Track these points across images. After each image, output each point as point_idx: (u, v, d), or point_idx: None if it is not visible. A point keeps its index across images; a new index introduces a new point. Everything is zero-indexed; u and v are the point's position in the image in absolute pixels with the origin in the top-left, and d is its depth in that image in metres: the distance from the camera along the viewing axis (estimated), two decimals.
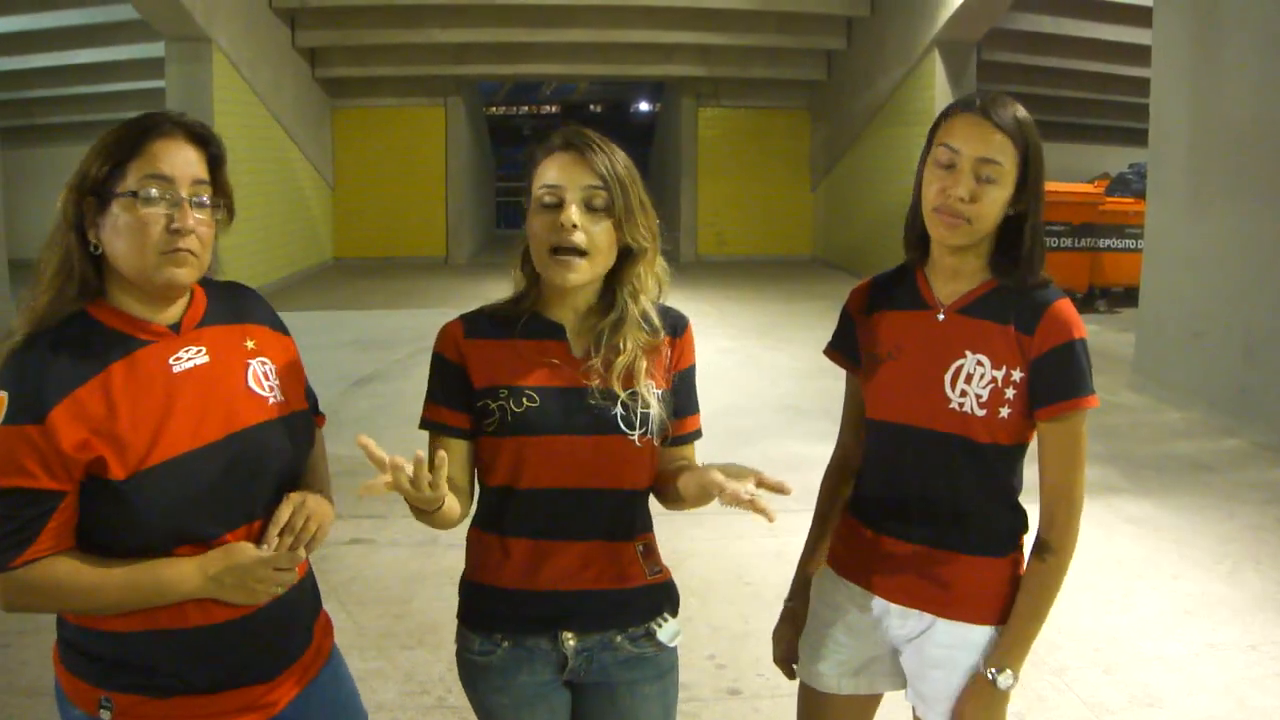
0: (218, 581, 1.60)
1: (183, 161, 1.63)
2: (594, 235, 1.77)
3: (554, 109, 37.55)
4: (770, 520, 1.56)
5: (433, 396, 1.86)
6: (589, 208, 1.77)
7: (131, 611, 1.61)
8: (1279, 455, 6.31)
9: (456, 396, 1.84)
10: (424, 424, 1.88)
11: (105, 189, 1.60)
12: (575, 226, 1.75)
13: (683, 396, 1.92)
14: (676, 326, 1.92)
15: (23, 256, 14.17)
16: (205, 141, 1.68)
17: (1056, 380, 1.84)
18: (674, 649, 1.94)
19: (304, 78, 15.77)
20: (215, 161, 1.69)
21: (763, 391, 7.84)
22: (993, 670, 1.87)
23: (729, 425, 6.13)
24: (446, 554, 4.37)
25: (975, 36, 12.48)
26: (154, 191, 1.59)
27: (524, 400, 1.79)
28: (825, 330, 2.15)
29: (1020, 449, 1.93)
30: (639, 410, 1.81)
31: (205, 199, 1.66)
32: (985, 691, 1.88)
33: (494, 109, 33.31)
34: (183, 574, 1.59)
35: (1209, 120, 7.29)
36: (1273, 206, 6.62)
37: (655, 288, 1.90)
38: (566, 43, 16.12)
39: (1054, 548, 1.87)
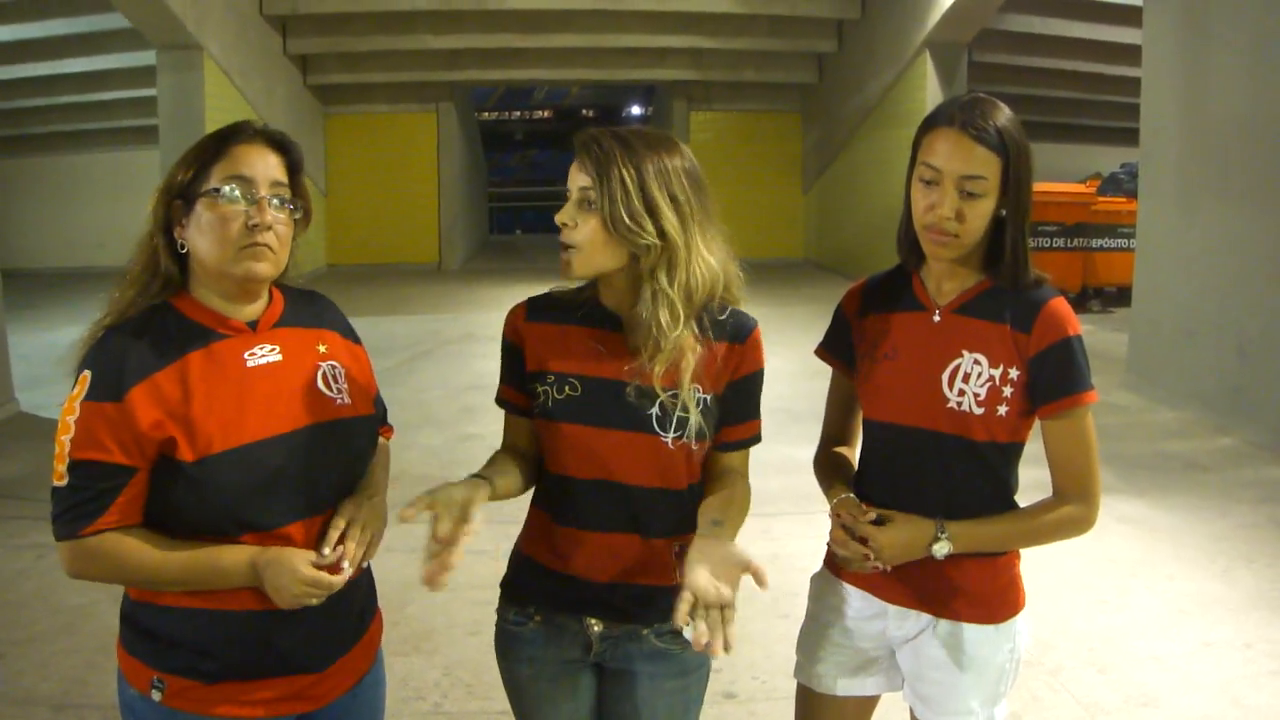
0: (261, 576, 1.66)
1: (262, 164, 1.73)
2: (580, 230, 1.81)
3: (546, 114, 37.58)
4: (714, 651, 1.56)
5: (502, 377, 1.97)
6: (584, 205, 1.82)
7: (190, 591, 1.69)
8: (1272, 454, 6.33)
9: (517, 377, 1.93)
10: (497, 400, 1.98)
11: (191, 190, 1.70)
12: (564, 225, 1.82)
13: (739, 403, 1.90)
14: (739, 332, 1.89)
15: (15, 267, 14.13)
16: (285, 148, 1.79)
17: (1056, 378, 1.86)
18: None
19: (296, 85, 15.76)
20: (294, 167, 1.80)
21: None
22: (941, 533, 1.87)
23: None
24: None
25: (966, 38, 12.51)
26: (235, 190, 1.69)
27: (566, 388, 1.85)
28: (817, 333, 2.15)
29: (1017, 447, 1.94)
30: (676, 414, 1.82)
31: (283, 199, 1.75)
32: (923, 536, 1.87)
33: (486, 114, 33.32)
34: (238, 561, 1.66)
35: (1200, 119, 7.31)
36: (1264, 205, 6.64)
37: (706, 285, 1.84)
38: (558, 48, 16.13)
39: (1081, 506, 1.90)
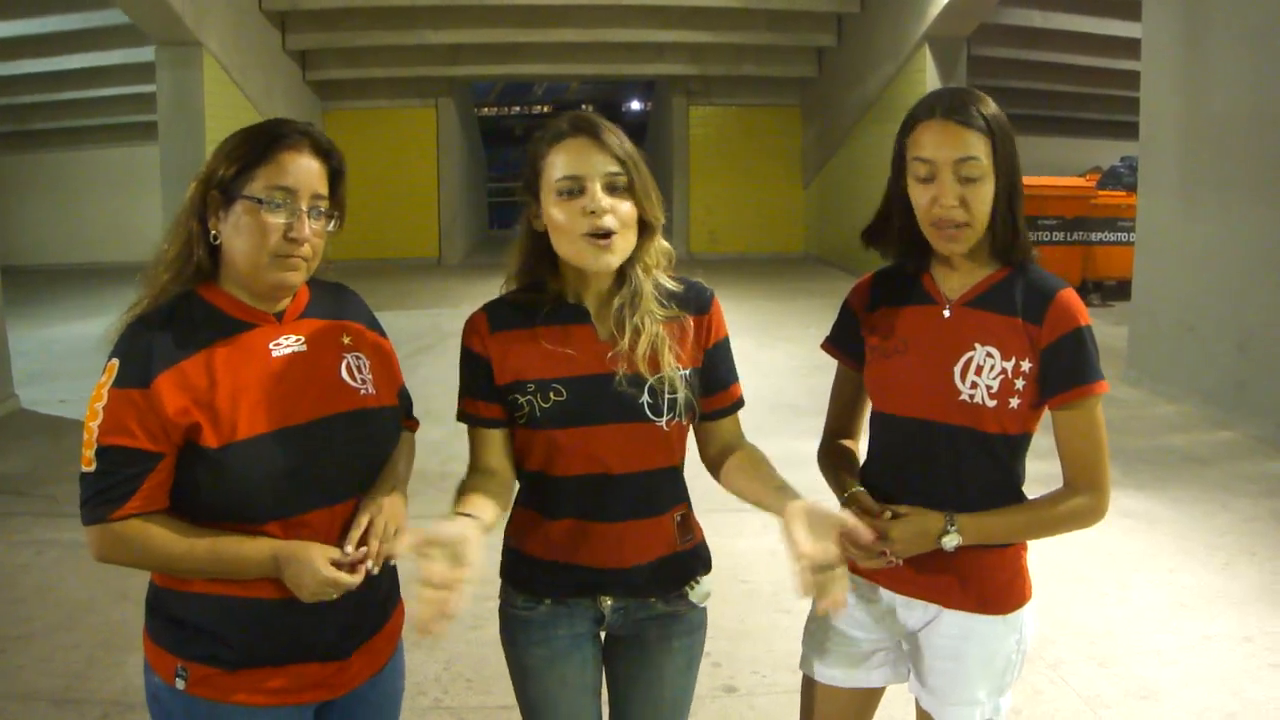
0: (281, 570, 1.68)
1: (306, 174, 1.74)
2: (621, 215, 1.80)
3: (546, 109, 37.50)
4: (836, 608, 1.61)
5: (466, 390, 1.91)
6: (611, 190, 1.80)
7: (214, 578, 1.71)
8: (1273, 448, 6.33)
9: (486, 389, 1.88)
10: (460, 417, 1.94)
11: (232, 188, 1.72)
12: (608, 210, 1.78)
13: (719, 369, 1.95)
14: (702, 302, 1.93)
15: (15, 263, 14.09)
16: (328, 155, 1.80)
17: (1067, 368, 1.86)
18: (704, 608, 2.00)
19: (295, 80, 15.74)
20: (335, 175, 1.81)
21: (757, 389, 7.78)
22: (950, 525, 1.86)
23: None
24: None
25: (965, 31, 12.48)
26: (278, 201, 1.71)
27: (551, 394, 1.83)
28: (820, 327, 2.16)
29: (1025, 439, 1.95)
30: (666, 396, 1.84)
31: (321, 210, 1.78)
32: (932, 528, 1.87)
33: (486, 110, 33.27)
34: (260, 551, 1.68)
35: (1199, 113, 7.30)
36: (1264, 199, 6.63)
37: (665, 262, 1.92)
38: (558, 43, 16.11)
39: (1091, 496, 1.91)
